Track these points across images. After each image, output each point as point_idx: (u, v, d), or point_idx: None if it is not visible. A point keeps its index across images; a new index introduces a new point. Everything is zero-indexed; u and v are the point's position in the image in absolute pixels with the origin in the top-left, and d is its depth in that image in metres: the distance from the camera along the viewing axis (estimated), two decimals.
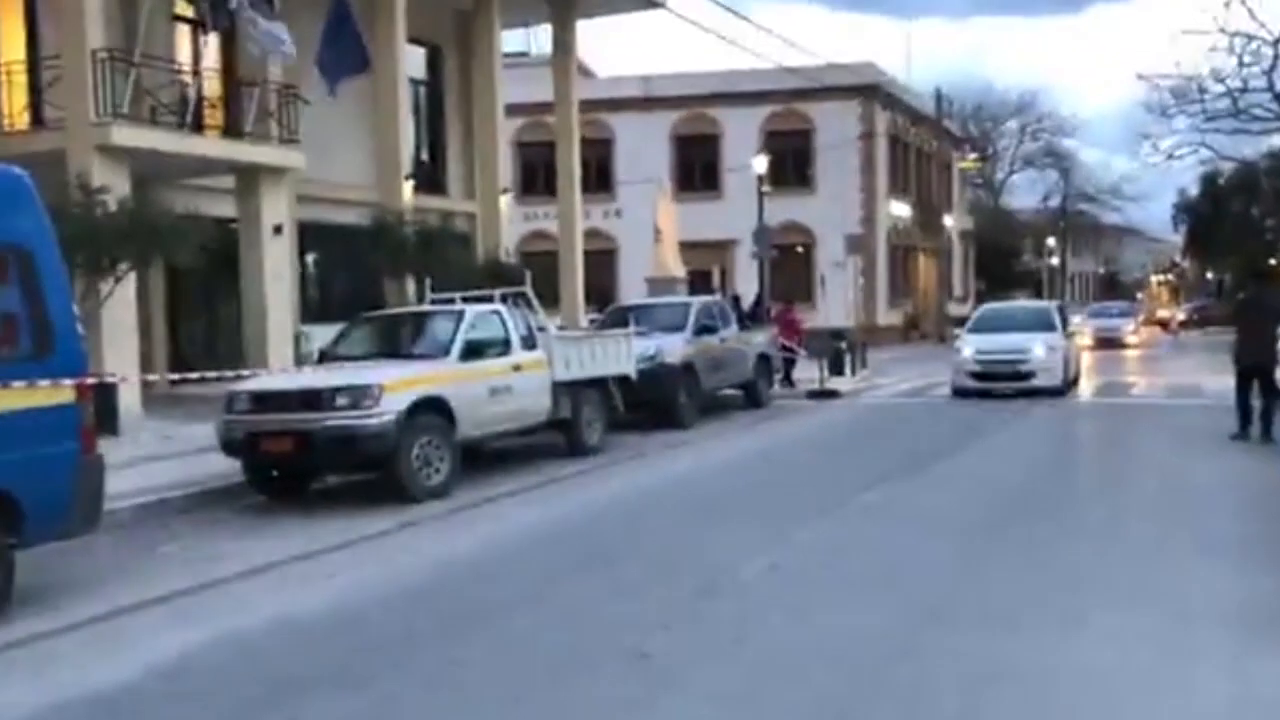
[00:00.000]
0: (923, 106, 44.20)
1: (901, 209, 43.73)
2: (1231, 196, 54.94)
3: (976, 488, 10.15)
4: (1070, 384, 18.63)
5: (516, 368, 11.50)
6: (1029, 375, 17.60)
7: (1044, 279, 66.21)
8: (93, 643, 6.04)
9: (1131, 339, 35.26)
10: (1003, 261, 56.57)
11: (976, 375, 17.79)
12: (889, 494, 9.78)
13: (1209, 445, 12.23)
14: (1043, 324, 18.72)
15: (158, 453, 11.89)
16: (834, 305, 35.41)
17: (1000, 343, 18.04)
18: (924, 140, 45.82)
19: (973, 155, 56.48)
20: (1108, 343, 33.72)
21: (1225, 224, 54.10)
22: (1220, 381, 15.76)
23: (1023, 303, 29.32)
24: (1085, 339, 29.10)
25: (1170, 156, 44.30)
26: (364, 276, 20.93)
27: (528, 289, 13.73)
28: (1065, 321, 19.85)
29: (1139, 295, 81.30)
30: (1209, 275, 74.55)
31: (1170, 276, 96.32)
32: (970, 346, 18.28)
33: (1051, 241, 66.42)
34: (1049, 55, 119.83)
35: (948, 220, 46.81)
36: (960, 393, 17.89)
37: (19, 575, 6.53)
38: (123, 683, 5.30)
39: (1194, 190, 58.43)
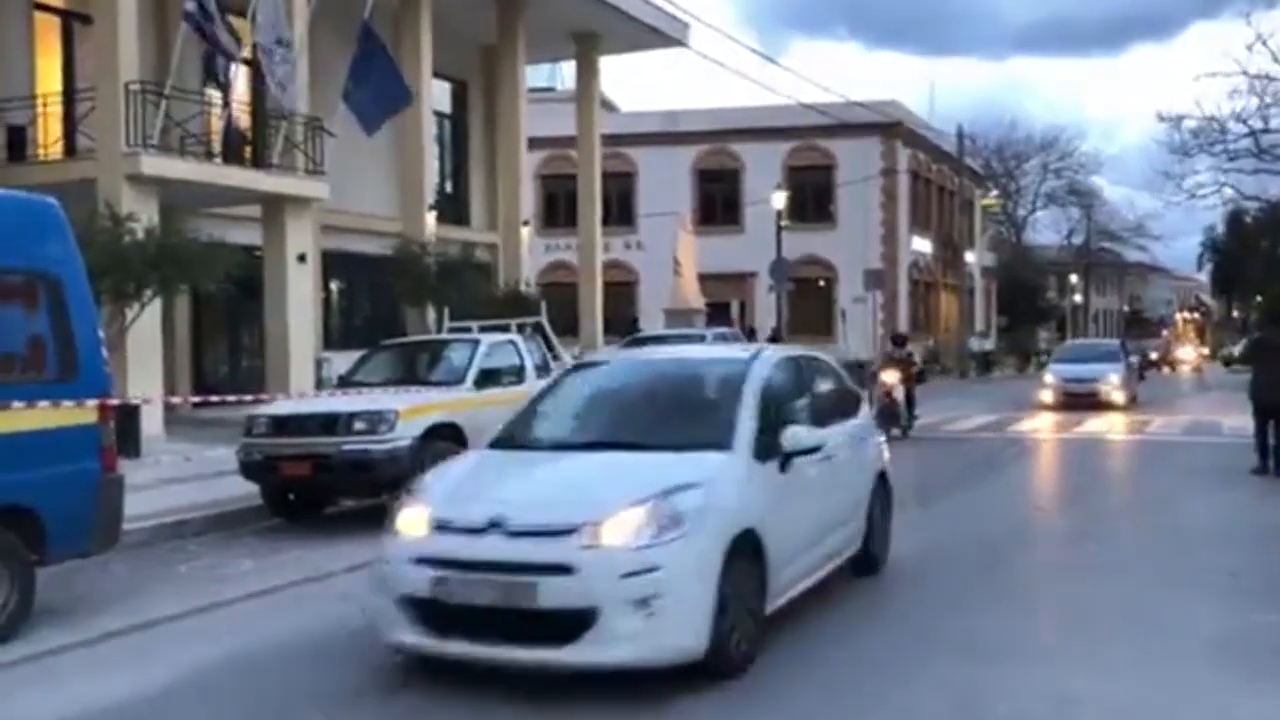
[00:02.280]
0: (945, 143, 44.41)
1: (923, 245, 43.85)
2: (1259, 235, 54.76)
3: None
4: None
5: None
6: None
7: (1067, 316, 65.99)
8: (110, 657, 6.23)
9: (1118, 396, 23.36)
10: (1025, 298, 56.43)
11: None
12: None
13: (1224, 479, 12.30)
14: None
15: (178, 475, 12.12)
16: (855, 339, 35.49)
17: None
18: (946, 177, 46.00)
19: (994, 193, 56.57)
20: (1077, 403, 22.79)
21: (1252, 262, 53.90)
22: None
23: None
24: (1045, 393, 23.62)
25: (1193, 196, 44.28)
26: (385, 304, 21.27)
27: (543, 319, 13.95)
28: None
29: (1164, 332, 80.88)
30: (1235, 314, 74.11)
31: (1196, 314, 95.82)
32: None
33: (1074, 278, 66.25)
34: (1083, 93, 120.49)
35: (969, 256, 46.86)
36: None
37: (39, 590, 6.72)
38: (139, 696, 5.47)
39: (1221, 228, 58.30)
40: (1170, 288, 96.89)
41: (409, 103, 19.02)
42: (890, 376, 17.35)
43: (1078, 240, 68.90)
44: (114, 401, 7.22)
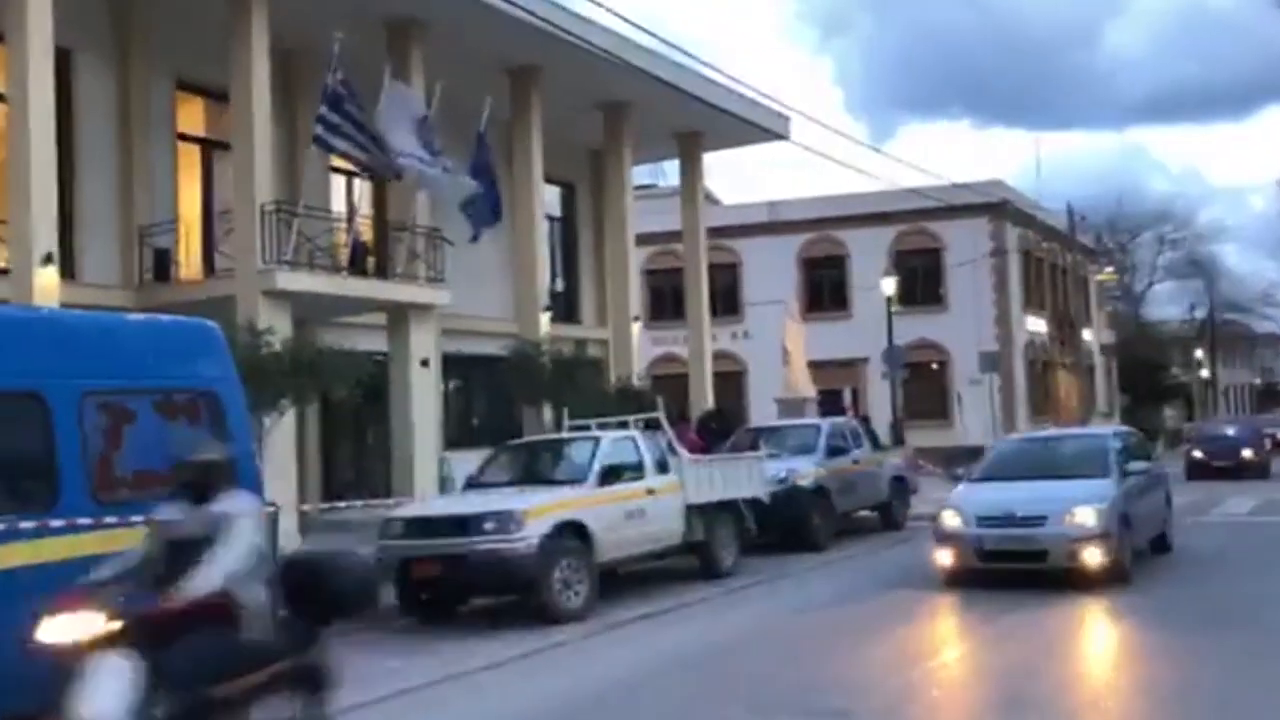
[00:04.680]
0: (1056, 220, 43.85)
1: (1037, 324, 43.04)
2: None
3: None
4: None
5: (650, 491, 11.84)
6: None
7: (1193, 392, 63.64)
8: None
9: (1087, 557, 11.48)
10: (1148, 375, 54.73)
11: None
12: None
13: None
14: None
15: None
16: (972, 423, 34.83)
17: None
18: (1057, 254, 45.29)
19: (1109, 268, 55.39)
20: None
21: None
22: None
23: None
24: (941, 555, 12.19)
25: None
26: (502, 404, 21.76)
27: (660, 413, 14.15)
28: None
29: None
30: None
31: None
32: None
33: (1200, 353, 64.05)
34: (1207, 161, 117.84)
35: (1086, 334, 45.79)
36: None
37: None
38: None
39: None
40: None
41: (496, 222, 19.64)
42: None
43: (1201, 313, 66.75)
44: (270, 510, 7.62)
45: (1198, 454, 26.22)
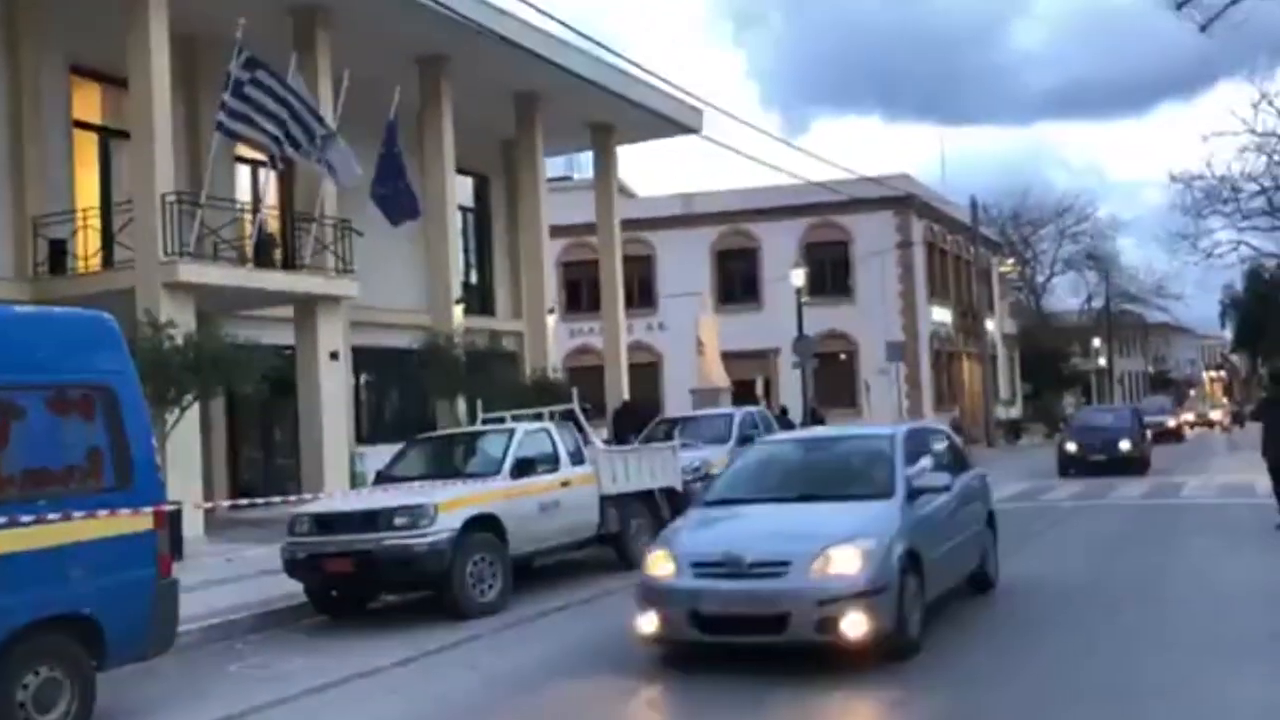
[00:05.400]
0: (960, 213, 44.86)
1: (943, 314, 44.02)
2: (1278, 291, 54.58)
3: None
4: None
5: (565, 483, 11.82)
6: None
7: (1092, 380, 65.74)
8: None
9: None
10: (1049, 363, 56.34)
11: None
12: None
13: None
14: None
15: (221, 576, 12.26)
16: (879, 410, 35.50)
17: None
18: (962, 247, 46.36)
19: (1010, 260, 56.85)
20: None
21: (1274, 318, 53.69)
22: None
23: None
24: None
25: (1209, 255, 44.38)
26: (415, 397, 21.54)
27: (575, 405, 14.13)
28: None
29: (1191, 392, 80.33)
30: (1261, 370, 73.58)
31: (1222, 372, 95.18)
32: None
33: (1097, 342, 66.18)
34: (1108, 156, 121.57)
35: (990, 324, 46.97)
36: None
37: (97, 697, 6.84)
38: None
39: (1240, 286, 58.27)
40: (1195, 346, 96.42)
41: (416, 217, 19.48)
42: None
43: (1098, 304, 68.98)
44: (168, 508, 7.42)
45: (1071, 447, 23.09)
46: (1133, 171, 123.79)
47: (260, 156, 17.68)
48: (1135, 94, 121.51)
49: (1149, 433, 26.48)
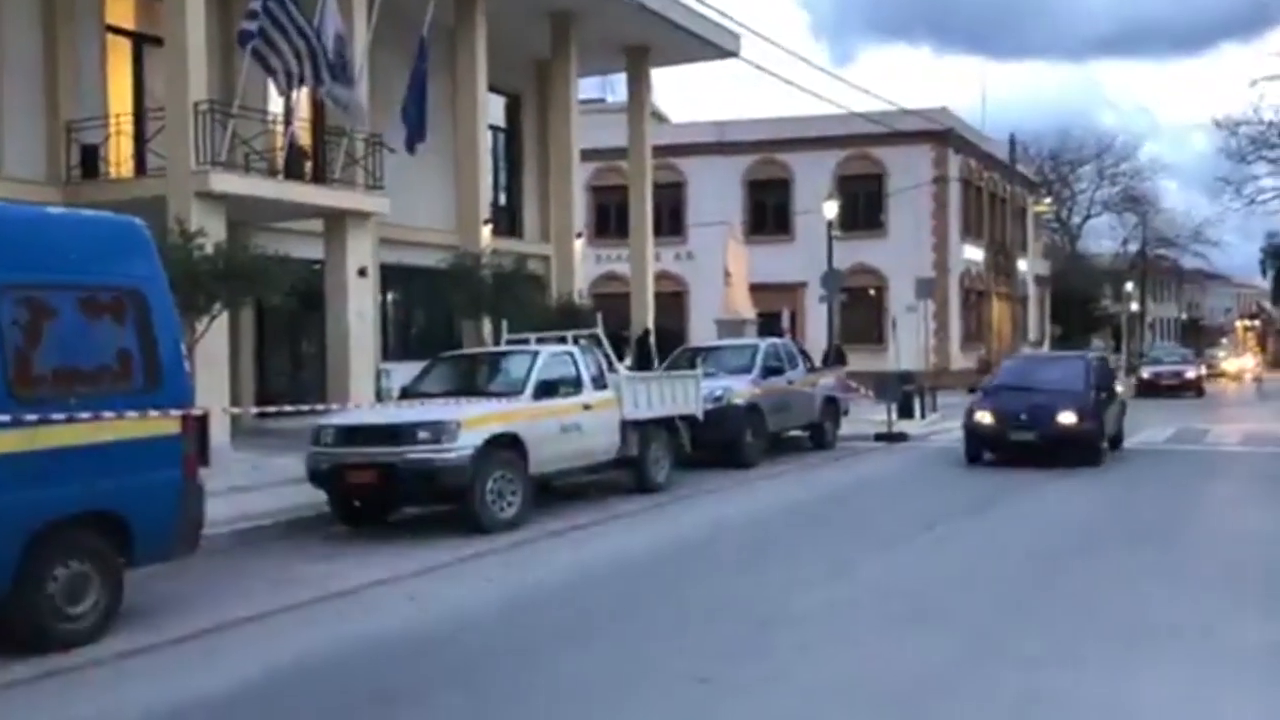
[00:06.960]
0: (998, 150, 44.14)
1: (975, 253, 43.56)
2: None
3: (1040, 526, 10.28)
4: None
5: (587, 406, 11.91)
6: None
7: (1122, 324, 65.13)
8: (192, 656, 6.54)
9: None
10: (1080, 306, 55.80)
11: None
12: (951, 530, 9.95)
13: None
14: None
15: (247, 483, 12.49)
16: (905, 348, 35.30)
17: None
18: (998, 184, 45.70)
19: (1047, 200, 56.02)
20: None
21: None
22: None
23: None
24: None
25: (1252, 202, 43.52)
26: (441, 316, 21.62)
27: (599, 330, 14.17)
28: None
29: (1223, 340, 79.42)
30: None
31: (1257, 321, 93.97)
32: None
33: (1130, 286, 65.43)
34: (1160, 98, 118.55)
35: (1022, 264, 46.46)
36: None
37: (125, 593, 7.05)
38: (222, 692, 5.76)
39: None
40: (1231, 295, 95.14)
41: (423, 139, 19.08)
42: None
43: (1134, 248, 68.01)
44: (196, 412, 7.54)
45: (984, 418, 15.80)
46: (1184, 114, 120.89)
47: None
48: (1194, 34, 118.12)
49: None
